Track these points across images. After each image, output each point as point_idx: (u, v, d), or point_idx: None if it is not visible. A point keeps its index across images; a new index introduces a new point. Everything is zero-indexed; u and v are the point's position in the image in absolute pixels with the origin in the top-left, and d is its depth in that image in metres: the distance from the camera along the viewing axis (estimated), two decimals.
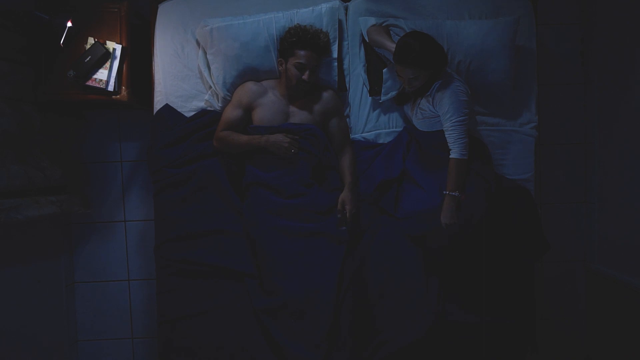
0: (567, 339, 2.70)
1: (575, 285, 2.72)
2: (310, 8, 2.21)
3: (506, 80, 2.18)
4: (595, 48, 2.63)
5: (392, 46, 2.04)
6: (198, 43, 2.29)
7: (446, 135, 1.98)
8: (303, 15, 2.20)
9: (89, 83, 2.24)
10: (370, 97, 2.28)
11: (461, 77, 2.13)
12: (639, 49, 2.28)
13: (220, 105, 2.25)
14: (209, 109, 2.27)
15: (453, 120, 1.94)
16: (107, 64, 2.24)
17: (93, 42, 2.23)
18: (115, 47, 2.25)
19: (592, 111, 2.65)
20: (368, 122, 2.29)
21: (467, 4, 2.28)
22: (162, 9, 2.31)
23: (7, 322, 2.15)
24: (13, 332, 2.18)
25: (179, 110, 2.26)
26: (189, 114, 2.26)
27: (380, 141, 2.26)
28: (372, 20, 2.21)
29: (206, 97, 2.27)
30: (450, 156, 1.95)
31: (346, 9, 2.32)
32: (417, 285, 1.95)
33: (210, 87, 2.27)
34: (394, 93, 2.21)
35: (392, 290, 1.96)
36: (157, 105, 2.28)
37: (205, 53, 2.25)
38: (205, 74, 2.25)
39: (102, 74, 2.24)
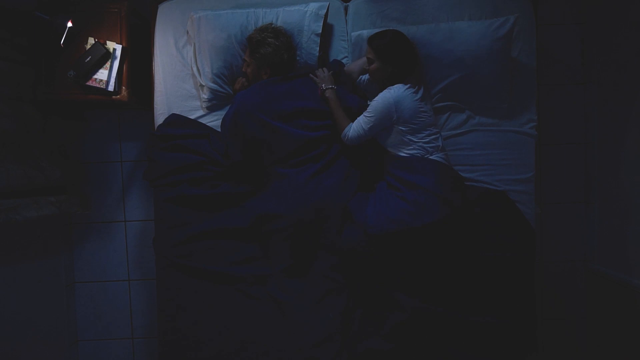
0: (567, 339, 2.70)
1: (575, 285, 2.71)
2: (296, 7, 2.22)
3: (504, 80, 2.18)
4: (595, 48, 2.63)
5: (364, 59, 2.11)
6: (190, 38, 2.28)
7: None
8: (288, 14, 2.21)
9: (89, 83, 2.24)
10: None
11: (457, 78, 2.14)
12: (639, 49, 2.28)
13: (205, 97, 2.23)
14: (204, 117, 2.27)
15: (365, 113, 2.04)
16: (107, 64, 2.24)
17: (93, 42, 2.23)
18: (115, 47, 2.25)
19: (592, 111, 2.65)
20: None
21: (468, 5, 2.27)
22: (162, 9, 2.32)
23: (7, 322, 2.15)
24: (13, 332, 2.18)
25: (179, 110, 2.26)
26: (189, 114, 2.26)
27: None
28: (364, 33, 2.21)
29: (204, 96, 2.26)
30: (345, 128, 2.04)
31: (346, 9, 2.32)
32: None
33: (203, 86, 2.26)
34: None
35: None
36: (157, 105, 2.27)
37: (194, 47, 2.24)
38: (194, 69, 2.24)
39: (102, 74, 2.24)
